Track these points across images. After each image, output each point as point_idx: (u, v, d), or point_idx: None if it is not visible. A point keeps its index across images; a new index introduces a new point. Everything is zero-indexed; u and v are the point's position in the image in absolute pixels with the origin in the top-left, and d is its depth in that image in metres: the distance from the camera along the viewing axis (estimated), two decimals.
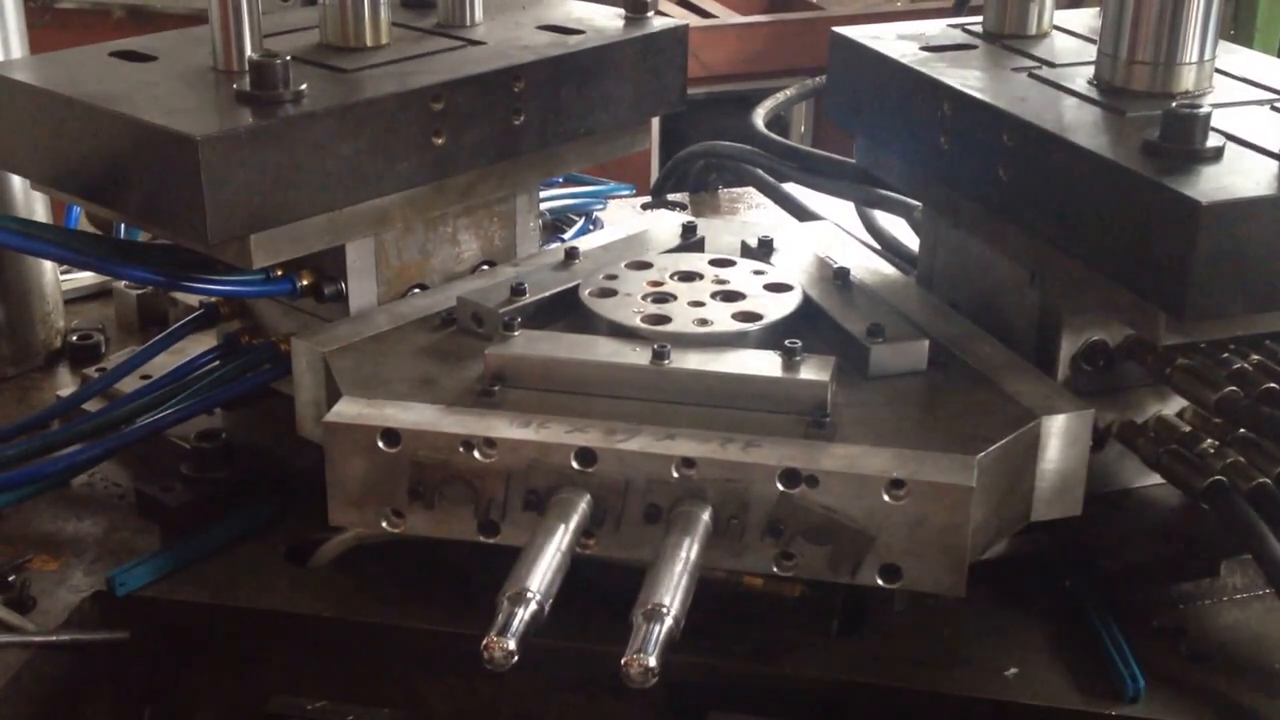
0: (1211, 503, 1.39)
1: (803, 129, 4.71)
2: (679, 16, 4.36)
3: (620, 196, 2.52)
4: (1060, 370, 1.51)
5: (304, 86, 1.52)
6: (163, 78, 1.60)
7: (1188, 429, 1.49)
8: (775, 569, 1.33)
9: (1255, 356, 1.40)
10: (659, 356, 1.42)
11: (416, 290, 1.70)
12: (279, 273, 1.61)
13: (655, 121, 3.81)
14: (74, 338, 2.03)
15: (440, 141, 1.60)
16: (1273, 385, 1.36)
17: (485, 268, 1.77)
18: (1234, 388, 1.37)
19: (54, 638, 1.47)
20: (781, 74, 4.14)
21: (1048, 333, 1.54)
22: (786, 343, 1.42)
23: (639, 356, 1.43)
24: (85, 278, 2.19)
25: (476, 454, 1.35)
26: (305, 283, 1.62)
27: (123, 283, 2.10)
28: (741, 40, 4.59)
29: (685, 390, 1.41)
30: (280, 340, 1.69)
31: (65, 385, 1.95)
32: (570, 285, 1.60)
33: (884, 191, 2.11)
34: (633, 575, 1.25)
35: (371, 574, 1.55)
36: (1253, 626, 1.45)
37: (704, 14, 4.74)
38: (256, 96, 1.51)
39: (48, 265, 2.00)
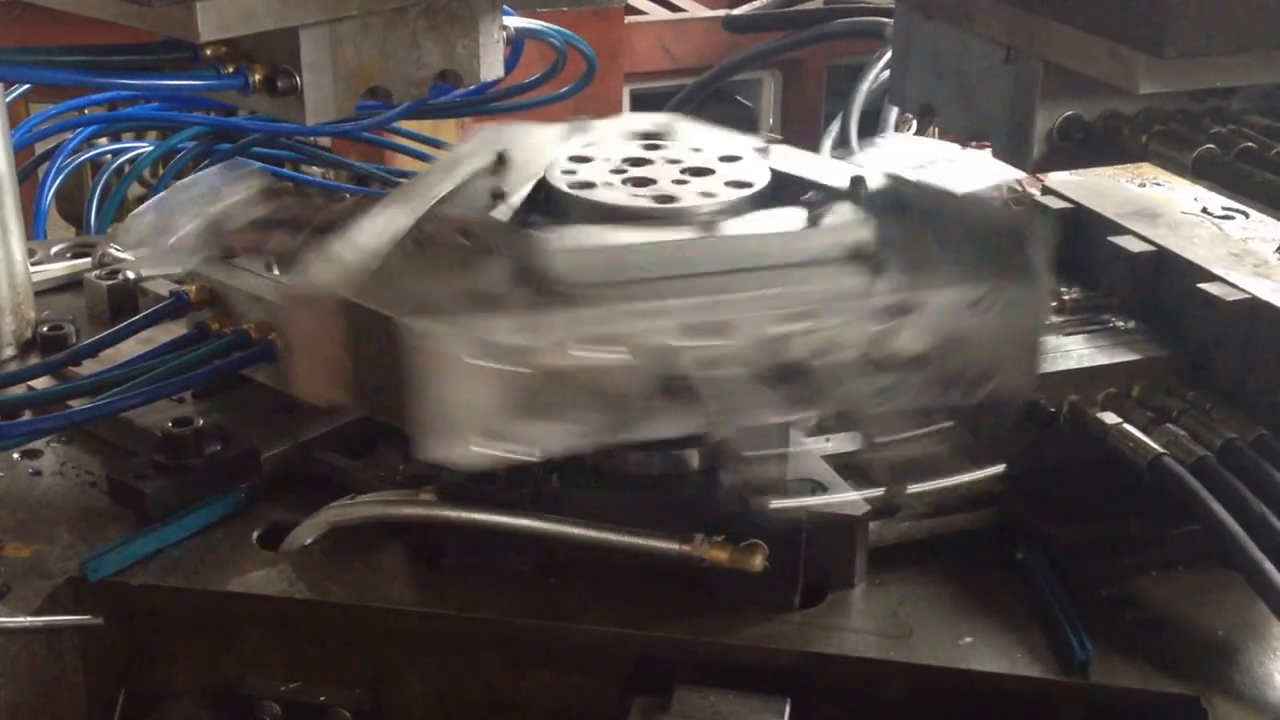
0: (1157, 477, 1.43)
1: (770, 121, 4.74)
2: (647, 9, 4.39)
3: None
4: (1036, 148, 1.50)
5: None
6: None
7: (1135, 404, 1.54)
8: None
9: (1231, 125, 1.41)
10: (707, 226, 1.36)
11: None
12: (230, 69, 1.55)
13: (625, 102, 3.86)
14: (45, 328, 2.04)
15: None
16: (1250, 145, 1.37)
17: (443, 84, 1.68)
18: (1211, 145, 1.38)
19: (27, 622, 1.48)
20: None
21: (1022, 109, 1.51)
22: (807, 196, 1.40)
23: (690, 232, 1.36)
24: (56, 269, 2.20)
25: (592, 356, 1.25)
26: (258, 77, 1.56)
27: (94, 273, 2.10)
28: (709, 34, 4.61)
29: (746, 256, 1.35)
30: (251, 327, 1.71)
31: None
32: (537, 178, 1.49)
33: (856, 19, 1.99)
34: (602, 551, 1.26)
35: (344, 556, 1.57)
36: (1196, 595, 1.50)
37: (674, 8, 4.76)
38: None
39: (18, 256, 2.01)
